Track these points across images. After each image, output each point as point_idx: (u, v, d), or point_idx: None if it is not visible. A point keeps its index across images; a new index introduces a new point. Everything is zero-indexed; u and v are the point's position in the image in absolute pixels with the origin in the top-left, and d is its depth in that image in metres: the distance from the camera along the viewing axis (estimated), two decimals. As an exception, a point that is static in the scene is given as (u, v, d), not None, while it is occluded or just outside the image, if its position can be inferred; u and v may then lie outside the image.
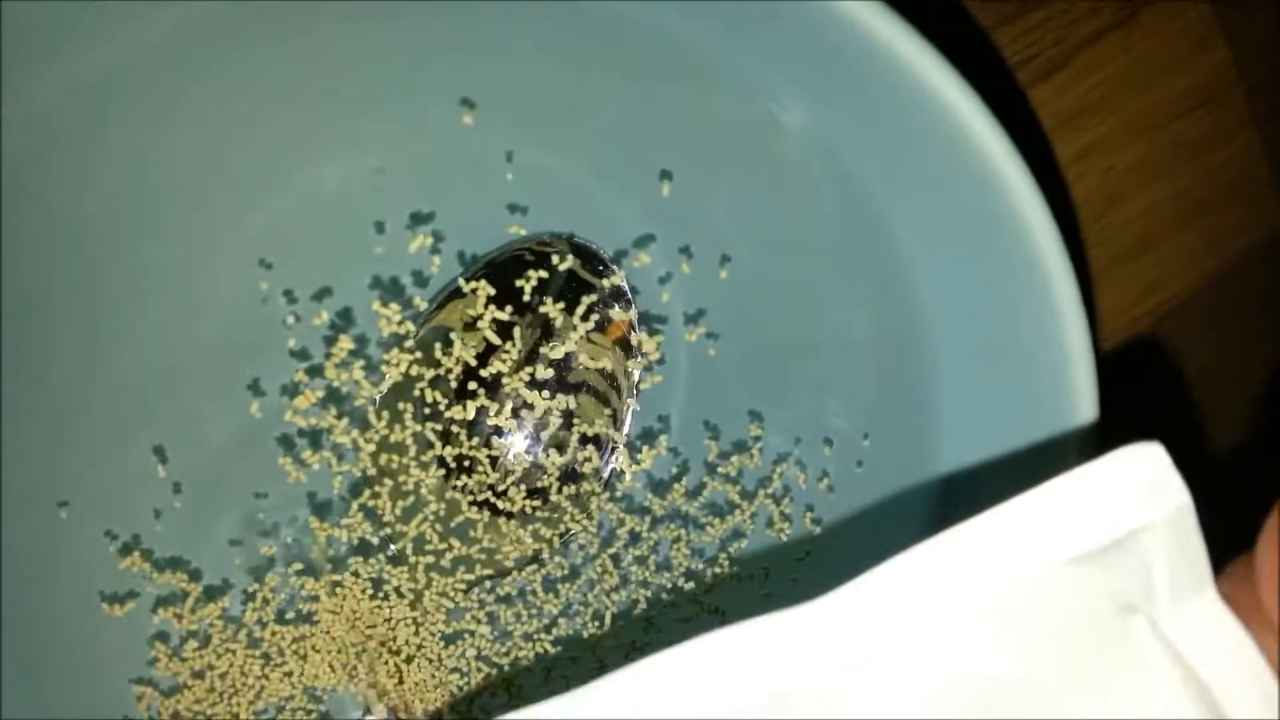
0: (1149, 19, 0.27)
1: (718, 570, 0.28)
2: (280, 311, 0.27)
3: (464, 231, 0.27)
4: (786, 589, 0.27)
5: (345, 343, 0.26)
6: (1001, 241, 0.22)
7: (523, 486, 0.28)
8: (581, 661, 0.28)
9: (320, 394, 0.26)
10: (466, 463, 0.28)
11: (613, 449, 0.28)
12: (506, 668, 0.28)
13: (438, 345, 0.27)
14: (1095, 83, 0.28)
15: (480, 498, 0.28)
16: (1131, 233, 0.29)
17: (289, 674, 0.28)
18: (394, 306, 0.26)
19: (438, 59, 0.25)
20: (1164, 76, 0.28)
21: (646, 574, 0.28)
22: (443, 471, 0.28)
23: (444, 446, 0.27)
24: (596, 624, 0.29)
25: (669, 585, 0.28)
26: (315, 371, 0.27)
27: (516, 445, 0.28)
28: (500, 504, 0.28)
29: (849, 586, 0.17)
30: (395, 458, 0.27)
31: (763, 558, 0.28)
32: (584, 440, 0.28)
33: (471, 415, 0.27)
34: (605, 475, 0.28)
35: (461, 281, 0.26)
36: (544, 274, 0.27)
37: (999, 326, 0.24)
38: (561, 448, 0.28)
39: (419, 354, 0.27)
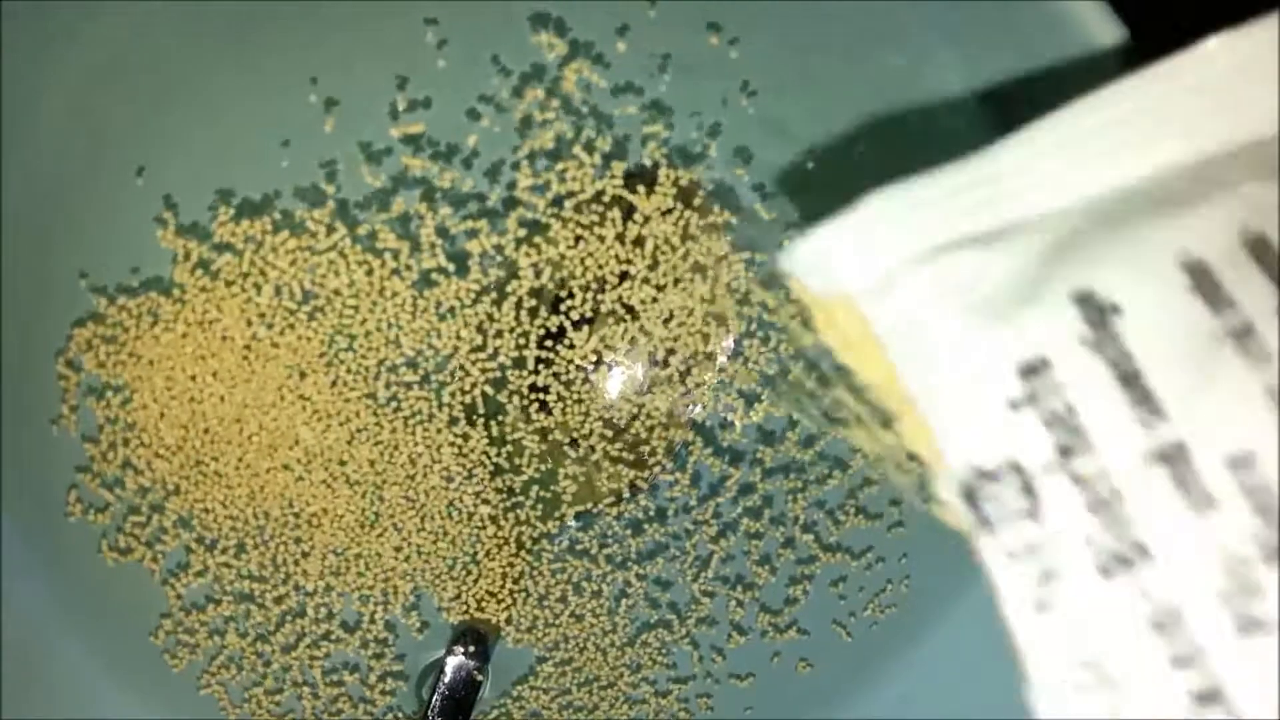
0: None
1: (841, 518, 0.26)
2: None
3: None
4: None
5: (526, 175, 0.24)
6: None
7: (607, 429, 0.26)
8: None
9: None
10: (547, 395, 0.26)
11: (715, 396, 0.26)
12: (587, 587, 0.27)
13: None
14: None
15: (559, 438, 0.26)
16: None
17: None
18: (596, 156, 0.24)
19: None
20: None
21: (759, 525, 0.26)
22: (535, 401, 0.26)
23: (548, 372, 0.25)
24: (697, 567, 0.27)
25: (783, 537, 0.27)
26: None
27: (610, 380, 0.26)
28: (572, 448, 0.26)
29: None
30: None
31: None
32: (686, 379, 0.26)
33: (589, 346, 0.25)
34: (694, 420, 0.26)
35: (664, 172, 0.24)
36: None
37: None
38: (658, 386, 0.26)
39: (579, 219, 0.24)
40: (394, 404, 0.25)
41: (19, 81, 0.22)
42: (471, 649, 0.25)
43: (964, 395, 0.17)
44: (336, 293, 0.24)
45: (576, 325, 0.25)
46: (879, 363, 0.17)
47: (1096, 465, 0.16)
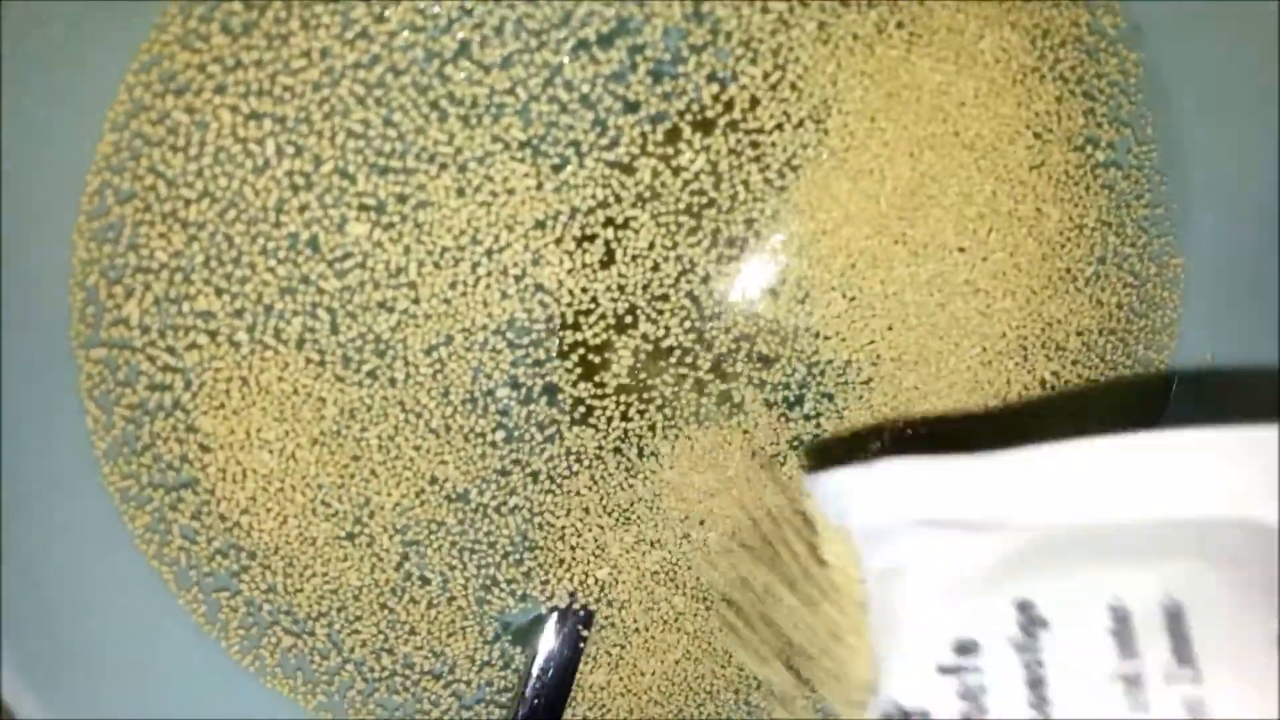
0: None
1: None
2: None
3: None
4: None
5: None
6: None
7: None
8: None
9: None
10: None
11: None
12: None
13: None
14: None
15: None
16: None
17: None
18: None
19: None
20: None
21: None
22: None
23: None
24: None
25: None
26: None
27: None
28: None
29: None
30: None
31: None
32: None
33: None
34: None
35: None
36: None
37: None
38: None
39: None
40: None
41: None
42: (573, 607, 0.26)
43: (909, 647, 0.21)
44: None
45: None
46: (853, 592, 0.22)
47: (988, 744, 0.20)
